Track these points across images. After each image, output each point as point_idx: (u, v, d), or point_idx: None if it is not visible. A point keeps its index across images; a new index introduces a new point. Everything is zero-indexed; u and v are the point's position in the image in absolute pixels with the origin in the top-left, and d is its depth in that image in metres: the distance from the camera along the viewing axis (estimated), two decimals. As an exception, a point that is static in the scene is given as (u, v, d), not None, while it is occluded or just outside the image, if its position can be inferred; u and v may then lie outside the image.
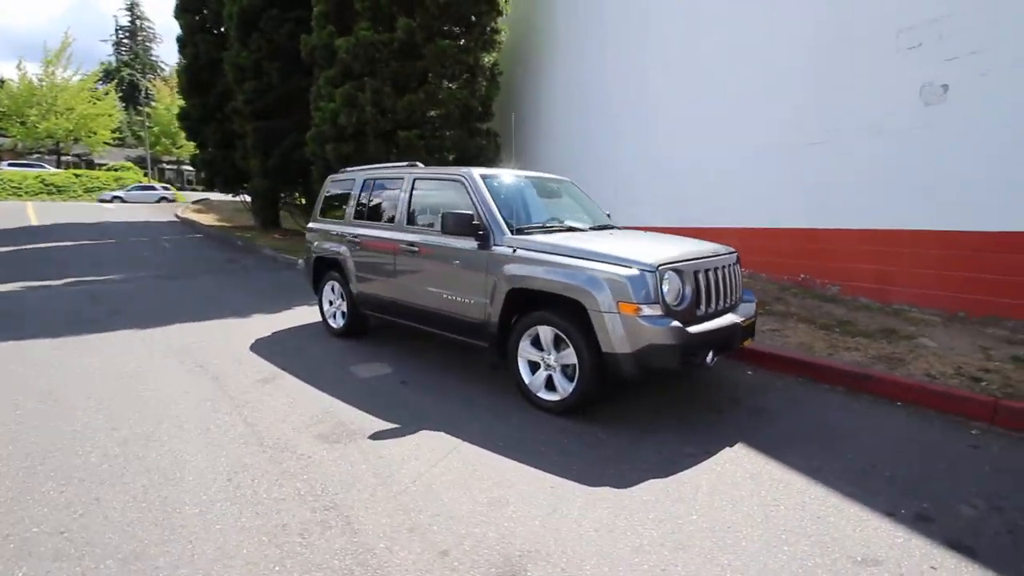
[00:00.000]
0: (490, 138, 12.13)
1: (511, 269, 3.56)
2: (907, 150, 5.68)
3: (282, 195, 15.63)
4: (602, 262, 3.22)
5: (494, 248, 3.70)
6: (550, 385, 3.49)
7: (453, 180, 4.21)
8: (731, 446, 3.03)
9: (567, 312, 3.32)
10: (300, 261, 6.29)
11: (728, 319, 3.42)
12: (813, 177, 6.55)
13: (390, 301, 4.63)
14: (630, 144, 9.40)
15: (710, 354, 3.23)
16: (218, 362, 4.46)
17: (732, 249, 3.91)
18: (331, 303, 5.45)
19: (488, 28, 11.45)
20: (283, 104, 13.56)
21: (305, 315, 6.26)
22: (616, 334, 3.05)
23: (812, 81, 6.47)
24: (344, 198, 5.31)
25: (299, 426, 3.24)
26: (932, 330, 5.11)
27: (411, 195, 4.51)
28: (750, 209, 7.18)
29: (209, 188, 17.73)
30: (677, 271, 3.20)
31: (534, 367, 3.59)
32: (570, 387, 3.34)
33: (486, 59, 11.70)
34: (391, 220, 4.66)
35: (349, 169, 5.57)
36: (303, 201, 15.75)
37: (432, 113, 11.18)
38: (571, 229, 4.07)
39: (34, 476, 2.61)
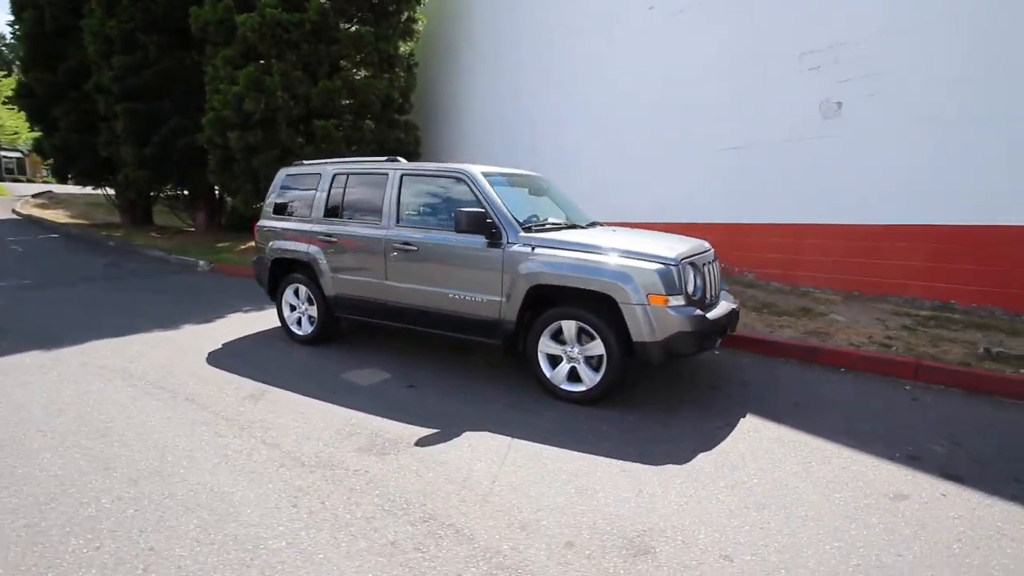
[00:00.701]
0: (410, 131, 11.82)
1: (532, 266, 3.63)
2: (809, 156, 6.70)
3: (159, 188, 13.69)
4: (627, 258, 3.44)
5: (509, 246, 3.74)
6: (572, 377, 3.64)
7: (452, 177, 4.14)
8: (744, 417, 3.43)
9: (592, 306, 3.49)
10: (202, 263, 5.68)
11: (726, 306, 3.84)
12: (733, 178, 7.42)
13: (379, 303, 4.42)
14: (552, 145, 9.76)
15: (718, 339, 3.62)
16: (180, 382, 3.93)
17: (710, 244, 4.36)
18: (293, 308, 5.03)
19: (406, 16, 11.10)
20: (161, 83, 11.90)
21: (247, 323, 5.70)
22: (647, 324, 3.29)
23: (729, 93, 7.32)
24: (306, 193, 4.93)
25: (330, 442, 3.03)
26: (837, 307, 6.13)
27: (399, 192, 4.34)
28: (679, 205, 7.92)
29: (61, 179, 14.90)
30: (692, 264, 3.53)
31: (553, 361, 3.71)
32: (597, 377, 3.52)
33: (404, 48, 11.35)
34: (376, 218, 4.44)
35: (310, 162, 5.16)
36: (186, 194, 13.95)
37: (345, 102, 10.57)
38: (573, 226, 4.23)
39: (46, 536, 2.16)
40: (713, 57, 7.46)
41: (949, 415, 3.50)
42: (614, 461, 2.83)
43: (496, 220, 3.79)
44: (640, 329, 3.31)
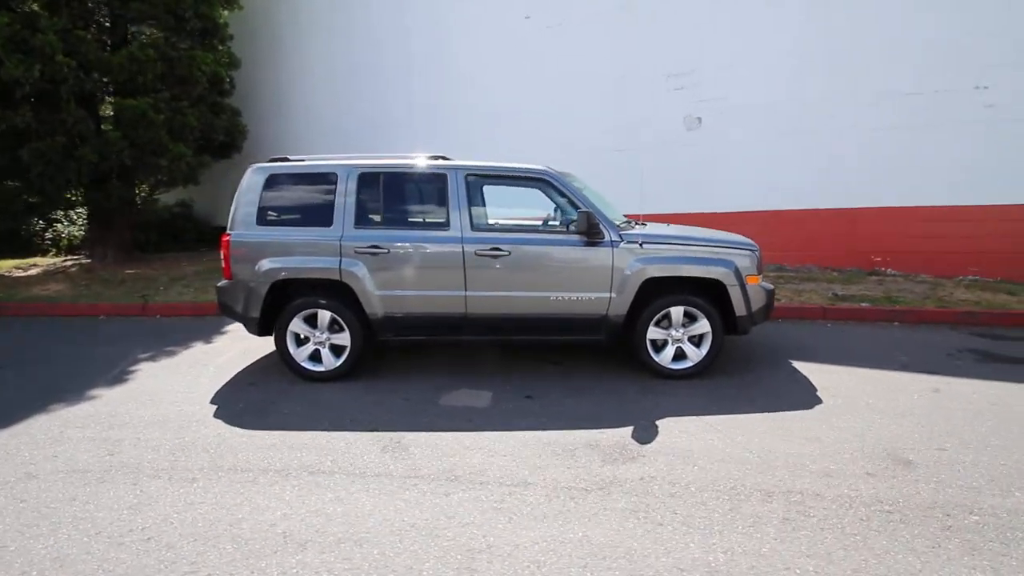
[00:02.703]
0: (234, 117, 9.88)
1: (645, 261, 3.91)
2: (678, 159, 8.37)
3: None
4: (722, 247, 4.05)
5: (617, 243, 3.92)
6: (676, 356, 4.08)
7: (532, 179, 4.04)
8: (787, 363, 4.44)
9: (697, 290, 4.00)
10: None
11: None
12: (619, 175, 8.67)
13: (454, 318, 4.00)
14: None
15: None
16: (290, 456, 2.94)
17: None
18: (301, 339, 4.07)
19: (230, -22, 9.18)
20: None
21: (180, 377, 4.35)
22: (746, 301, 3.97)
23: (614, 105, 8.52)
24: (317, 197, 4.03)
25: (570, 463, 2.83)
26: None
27: (468, 194, 3.98)
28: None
29: None
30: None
31: (656, 345, 4.08)
32: (702, 353, 4.04)
33: (223, 16, 9.37)
34: (440, 223, 3.97)
35: (304, 158, 4.17)
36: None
37: (149, 77, 8.28)
38: (644, 223, 4.59)
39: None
40: (593, 70, 8.53)
41: (940, 348, 5.07)
42: (778, 413, 3.44)
43: (599, 219, 3.92)
44: (741, 306, 3.97)
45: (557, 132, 8.75)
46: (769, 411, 3.49)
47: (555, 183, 4.03)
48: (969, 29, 6.73)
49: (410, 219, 4.08)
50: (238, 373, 4.36)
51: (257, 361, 4.68)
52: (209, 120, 9.09)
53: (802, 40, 7.58)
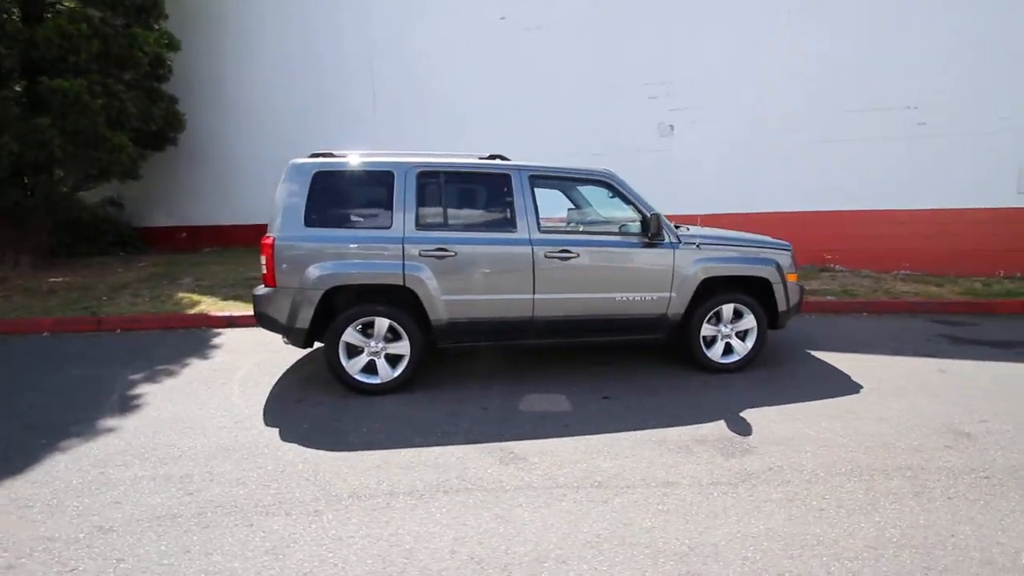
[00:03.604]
0: (171, 105, 8.87)
1: (702, 261, 4.09)
2: (655, 163, 8.77)
3: None
4: (765, 248, 4.33)
5: (677, 244, 4.06)
6: (725, 351, 4.30)
7: (594, 180, 4.08)
8: (810, 353, 4.85)
9: (745, 288, 4.24)
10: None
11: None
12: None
13: (520, 321, 3.91)
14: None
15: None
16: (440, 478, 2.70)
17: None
18: (356, 350, 3.76)
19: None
20: None
21: (202, 398, 3.91)
22: (786, 297, 4.28)
23: (594, 111, 8.75)
24: (373, 197, 3.76)
25: (671, 464, 2.90)
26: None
27: (534, 195, 3.91)
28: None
29: None
30: (786, 249, 4.69)
31: (706, 342, 4.27)
32: (748, 347, 4.30)
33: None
34: (506, 224, 3.86)
35: (355, 154, 3.85)
36: None
37: (83, 56, 7.23)
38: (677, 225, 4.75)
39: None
40: (572, 75, 8.70)
41: (911, 333, 5.80)
42: (834, 400, 3.76)
43: (660, 221, 4.03)
44: (783, 302, 4.28)
45: (533, 133, 8.81)
46: (826, 398, 3.79)
47: (616, 184, 4.08)
48: (903, 53, 7.75)
49: (474, 220, 3.92)
50: (273, 389, 3.94)
51: (285, 374, 4.25)
52: (146, 107, 8.05)
53: (760, 61, 8.27)
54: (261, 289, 3.74)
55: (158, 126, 8.44)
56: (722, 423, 3.35)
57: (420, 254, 3.71)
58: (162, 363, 4.58)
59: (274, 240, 3.62)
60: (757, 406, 3.62)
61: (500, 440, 3.14)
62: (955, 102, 7.64)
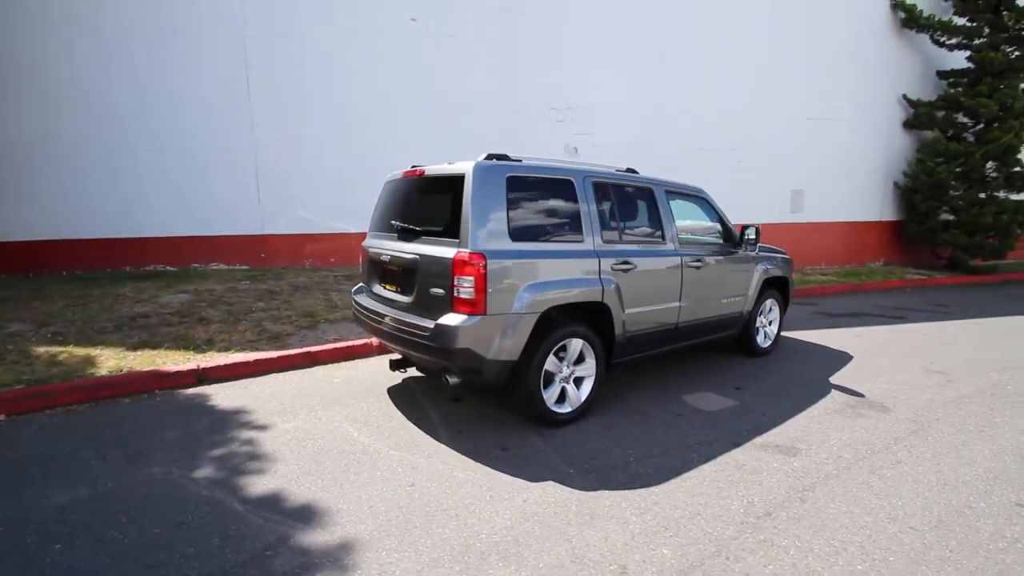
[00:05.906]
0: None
1: (765, 267, 4.95)
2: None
3: None
4: (780, 253, 5.43)
5: (749, 251, 4.80)
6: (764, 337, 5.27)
7: (696, 195, 4.53)
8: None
9: (776, 286, 5.29)
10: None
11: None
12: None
13: (668, 330, 4.07)
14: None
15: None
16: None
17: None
18: (550, 378, 3.36)
19: None
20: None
21: (358, 474, 3.07)
22: (791, 291, 5.51)
23: (506, 133, 8.98)
24: (558, 208, 3.43)
25: (867, 428, 3.64)
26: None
27: (670, 207, 4.12)
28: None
29: None
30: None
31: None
32: (775, 331, 5.34)
33: None
34: (657, 236, 3.98)
35: (551, 159, 3.48)
36: None
37: None
38: None
39: None
40: (484, 88, 8.80)
41: None
42: (848, 370, 5.09)
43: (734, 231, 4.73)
44: (789, 295, 5.49)
45: (446, 144, 8.55)
46: (841, 370, 5.05)
47: (708, 198, 4.62)
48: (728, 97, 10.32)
49: (636, 232, 3.89)
50: (446, 439, 3.14)
51: (409, 419, 3.39)
52: None
53: (637, 97, 9.90)
54: (453, 319, 2.98)
55: None
56: (842, 395, 4.21)
57: (612, 268, 3.54)
58: (223, 444, 3.06)
59: (485, 259, 2.95)
60: (834, 381, 4.60)
61: (756, 436, 3.31)
62: (754, 146, 10.63)
